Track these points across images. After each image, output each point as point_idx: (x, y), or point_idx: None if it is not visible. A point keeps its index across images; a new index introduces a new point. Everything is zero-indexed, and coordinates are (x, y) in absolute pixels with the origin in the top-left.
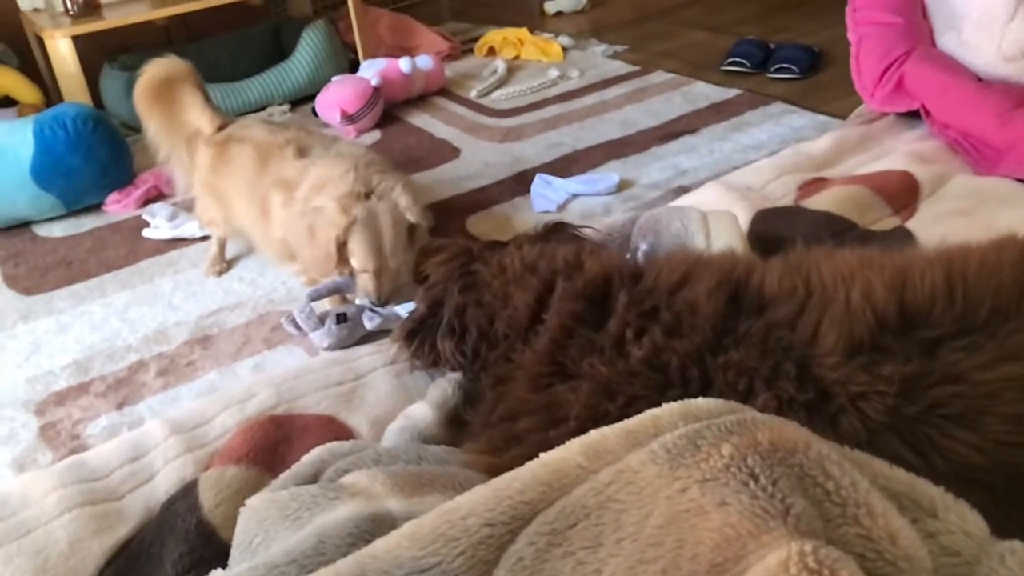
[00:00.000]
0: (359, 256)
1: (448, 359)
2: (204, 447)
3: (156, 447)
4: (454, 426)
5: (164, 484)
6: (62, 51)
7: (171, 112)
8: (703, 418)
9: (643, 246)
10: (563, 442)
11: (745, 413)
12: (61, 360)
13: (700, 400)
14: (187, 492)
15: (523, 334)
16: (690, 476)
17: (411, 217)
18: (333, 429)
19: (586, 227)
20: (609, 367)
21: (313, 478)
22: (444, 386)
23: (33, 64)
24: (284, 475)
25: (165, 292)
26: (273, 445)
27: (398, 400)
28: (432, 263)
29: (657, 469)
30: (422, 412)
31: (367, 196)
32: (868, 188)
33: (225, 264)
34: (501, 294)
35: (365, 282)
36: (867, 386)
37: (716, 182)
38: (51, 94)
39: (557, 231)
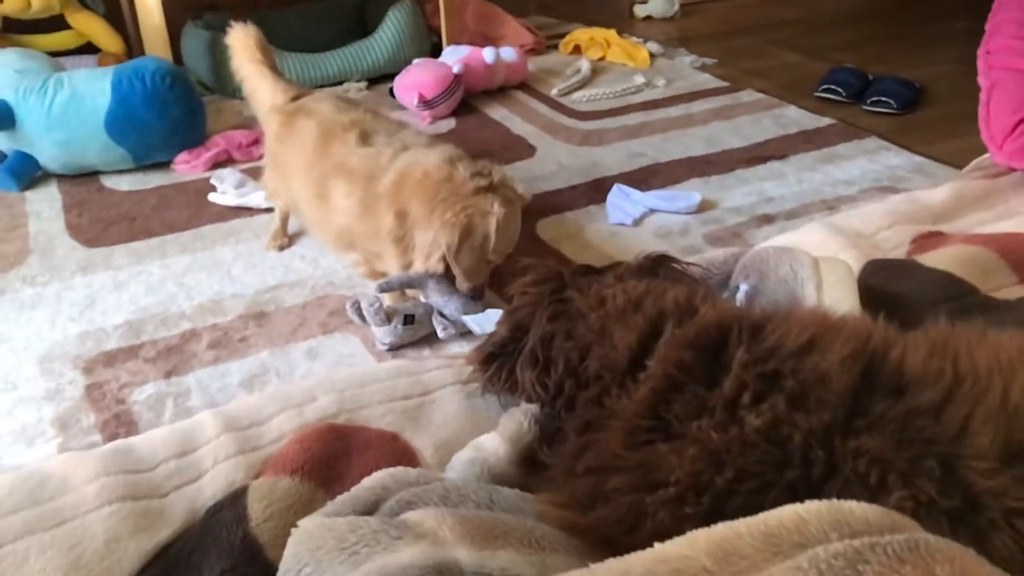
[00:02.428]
0: (499, 248)
1: (527, 390)
2: (257, 450)
3: (207, 443)
4: (528, 465)
5: (211, 487)
6: (148, 2)
7: (246, 84)
8: (862, 531)
9: (744, 286)
10: (659, 509)
11: (914, 533)
12: (114, 319)
13: (853, 505)
14: (235, 500)
15: (621, 378)
16: None
17: (527, 197)
18: (396, 449)
19: (693, 264)
20: (720, 432)
21: (373, 505)
22: (519, 418)
23: (118, 13)
24: (342, 498)
25: (225, 261)
26: (331, 459)
27: (466, 424)
28: (518, 285)
29: None
30: (494, 445)
31: (492, 188)
32: (992, 250)
33: (287, 239)
34: (598, 328)
35: (462, 280)
36: None
37: (821, 223)
38: (132, 46)
39: (662, 264)
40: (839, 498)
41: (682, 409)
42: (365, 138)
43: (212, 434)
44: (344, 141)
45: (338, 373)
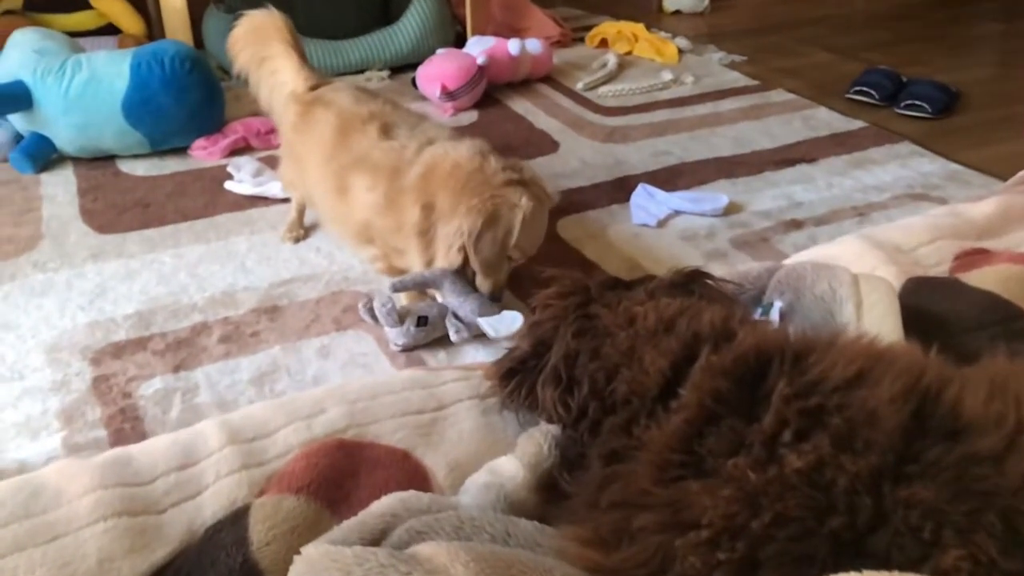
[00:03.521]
0: (523, 246)
1: (548, 410)
2: (262, 465)
3: (209, 455)
4: (547, 491)
5: (212, 504)
6: None
7: (264, 67)
8: None
9: (778, 303)
10: (689, 553)
11: None
12: (124, 309)
13: None
14: (236, 520)
15: (651, 405)
16: None
17: (556, 198)
18: (407, 468)
19: (728, 281)
20: (758, 472)
21: (381, 534)
22: (538, 440)
23: None
24: (349, 524)
25: (239, 252)
26: (338, 477)
27: (482, 442)
28: (541, 297)
29: None
30: (511, 470)
31: (522, 183)
32: None
33: (303, 231)
34: (626, 349)
35: (483, 280)
36: None
37: (859, 236)
38: (153, 28)
39: (695, 280)
40: (888, 552)
41: (717, 444)
42: (387, 131)
43: (215, 446)
44: (365, 134)
45: (349, 383)
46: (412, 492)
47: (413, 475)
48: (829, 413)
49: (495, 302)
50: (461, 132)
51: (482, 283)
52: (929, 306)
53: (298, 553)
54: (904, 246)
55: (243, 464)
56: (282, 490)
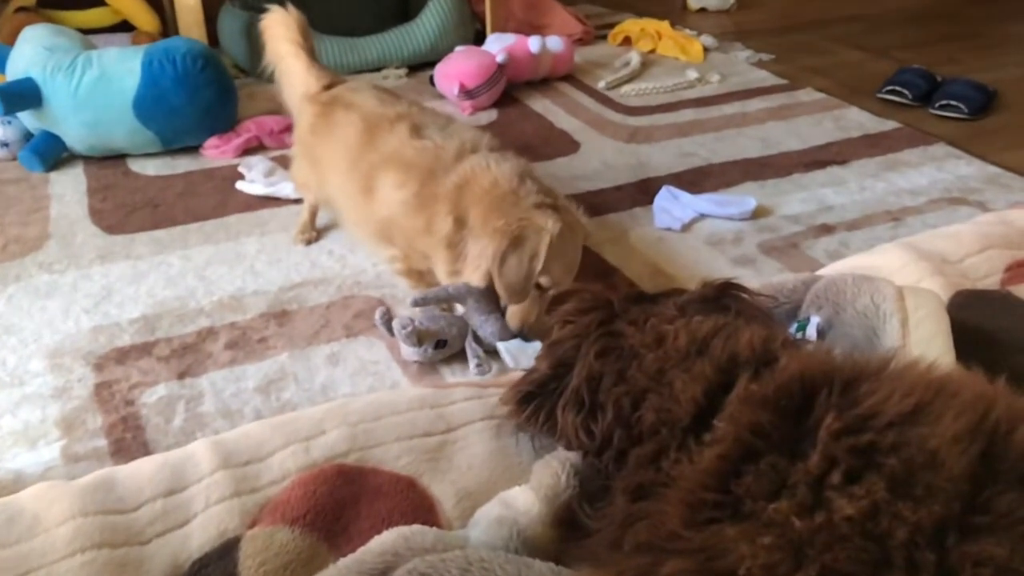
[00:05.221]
0: (553, 273)
1: (568, 436)
2: (255, 492)
3: (199, 480)
4: (564, 527)
5: (200, 535)
6: None
7: (279, 66)
8: None
9: (816, 319)
10: None
11: None
12: (130, 312)
13: None
14: (224, 554)
15: (682, 437)
16: None
17: (590, 229)
18: (412, 498)
19: (764, 295)
20: (803, 518)
21: (381, 574)
22: (555, 470)
23: None
24: (346, 562)
25: (249, 254)
26: (337, 507)
27: (494, 469)
28: (560, 313)
29: None
30: (526, 503)
31: (553, 208)
32: None
33: (315, 233)
34: (655, 372)
35: (513, 312)
36: None
37: (902, 244)
38: (168, 25)
39: (729, 294)
40: None
41: (756, 484)
42: (417, 131)
43: (206, 470)
44: (394, 133)
45: (351, 401)
46: (416, 527)
47: (419, 505)
48: (884, 453)
49: (527, 343)
50: (486, 130)
51: (511, 316)
52: (980, 322)
53: None
54: (951, 256)
55: (235, 491)
56: (276, 521)
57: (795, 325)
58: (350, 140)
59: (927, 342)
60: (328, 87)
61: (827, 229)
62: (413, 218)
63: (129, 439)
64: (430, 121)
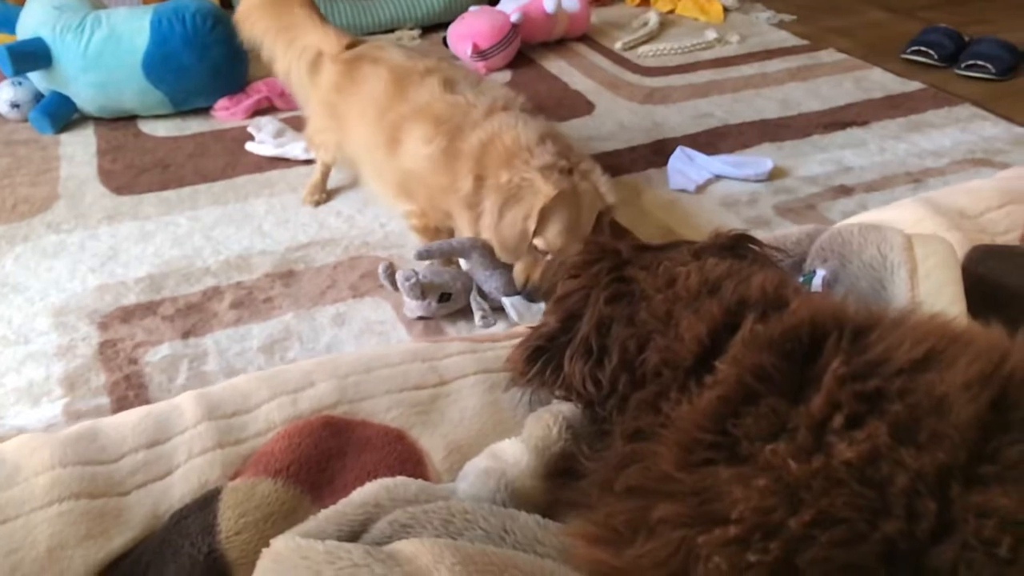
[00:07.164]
0: (548, 237)
1: (575, 387)
2: (239, 444)
3: (183, 431)
4: (554, 479)
5: (181, 486)
6: None
7: (281, 37)
8: None
9: (821, 271)
10: (715, 551)
11: None
12: (136, 272)
13: None
14: (205, 505)
15: (683, 378)
16: None
17: (610, 199)
18: (400, 450)
19: (776, 248)
20: (800, 461)
21: (361, 526)
22: (547, 422)
23: None
24: (325, 514)
25: (257, 214)
26: (323, 458)
27: (486, 423)
28: (566, 268)
29: None
30: (516, 455)
31: (569, 172)
32: None
33: (325, 194)
34: (663, 314)
35: (517, 269)
36: None
37: (918, 199)
38: None
39: (742, 244)
40: (954, 569)
41: (755, 426)
42: (449, 85)
43: (190, 421)
44: (424, 86)
45: (342, 355)
46: (400, 479)
47: (407, 458)
48: (889, 398)
49: (531, 303)
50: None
51: (517, 273)
52: (997, 278)
53: (267, 546)
54: (969, 211)
55: (219, 442)
56: (258, 472)
57: (800, 279)
58: (377, 92)
59: (936, 293)
60: (350, 46)
61: (845, 191)
62: (436, 175)
63: (131, 397)
64: (461, 77)
